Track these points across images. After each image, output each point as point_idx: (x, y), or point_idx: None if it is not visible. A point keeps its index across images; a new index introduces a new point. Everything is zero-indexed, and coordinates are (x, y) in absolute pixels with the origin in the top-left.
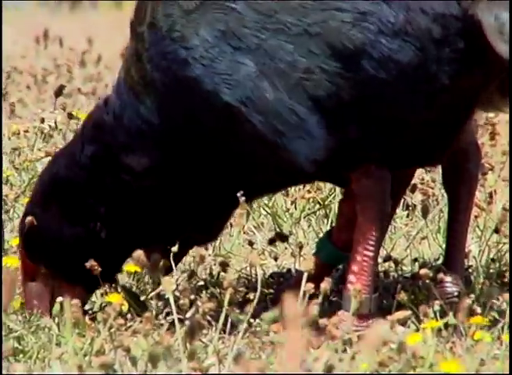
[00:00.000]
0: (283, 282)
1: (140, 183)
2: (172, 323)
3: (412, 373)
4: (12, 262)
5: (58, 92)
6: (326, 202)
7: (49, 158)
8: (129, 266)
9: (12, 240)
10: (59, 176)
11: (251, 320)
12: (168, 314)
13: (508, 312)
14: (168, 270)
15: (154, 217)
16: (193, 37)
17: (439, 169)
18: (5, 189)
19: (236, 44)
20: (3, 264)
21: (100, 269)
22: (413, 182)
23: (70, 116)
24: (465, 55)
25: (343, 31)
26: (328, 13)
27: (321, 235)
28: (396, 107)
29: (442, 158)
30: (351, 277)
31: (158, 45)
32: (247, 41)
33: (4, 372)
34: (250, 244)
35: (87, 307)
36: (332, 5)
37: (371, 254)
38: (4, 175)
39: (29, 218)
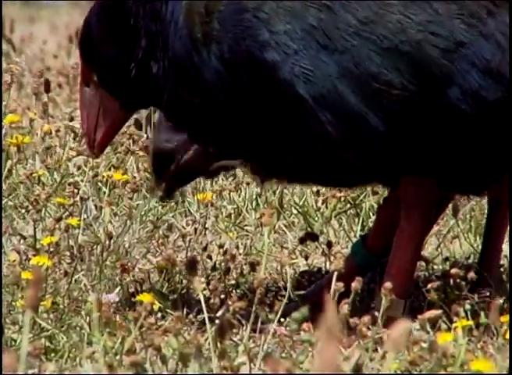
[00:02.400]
0: (314, 281)
1: None
2: (203, 322)
3: (443, 372)
4: (44, 260)
5: None
6: (357, 201)
7: (80, 157)
8: (161, 266)
9: (44, 239)
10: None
11: (281, 319)
12: (198, 313)
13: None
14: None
15: None
16: (281, 23)
17: None
18: (37, 189)
19: (323, 43)
20: (36, 263)
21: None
22: None
23: None
24: None
25: (433, 56)
26: (423, 35)
27: (351, 234)
28: (467, 139)
29: (487, 190)
30: (387, 280)
31: (236, 15)
32: (335, 42)
33: (35, 371)
34: (281, 243)
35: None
36: (430, 28)
37: (409, 259)
38: (35, 174)
39: None
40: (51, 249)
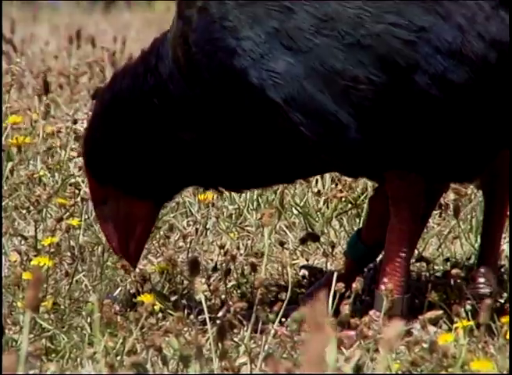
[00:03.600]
0: (314, 282)
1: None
2: (204, 323)
3: (444, 372)
4: (45, 261)
5: (96, 95)
6: (358, 202)
7: (81, 158)
8: (161, 266)
9: (45, 240)
10: (121, 96)
11: (282, 320)
12: (199, 314)
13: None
14: None
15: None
16: (245, 29)
17: None
18: (38, 189)
19: (287, 44)
20: (37, 263)
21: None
22: None
23: None
24: None
25: (396, 46)
26: (383, 26)
27: None
28: (442, 124)
29: (477, 177)
30: (383, 277)
31: (206, 31)
32: (299, 43)
33: (37, 371)
34: (282, 243)
35: (117, 307)
36: (388, 18)
37: (403, 255)
38: (36, 175)
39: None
40: (52, 250)
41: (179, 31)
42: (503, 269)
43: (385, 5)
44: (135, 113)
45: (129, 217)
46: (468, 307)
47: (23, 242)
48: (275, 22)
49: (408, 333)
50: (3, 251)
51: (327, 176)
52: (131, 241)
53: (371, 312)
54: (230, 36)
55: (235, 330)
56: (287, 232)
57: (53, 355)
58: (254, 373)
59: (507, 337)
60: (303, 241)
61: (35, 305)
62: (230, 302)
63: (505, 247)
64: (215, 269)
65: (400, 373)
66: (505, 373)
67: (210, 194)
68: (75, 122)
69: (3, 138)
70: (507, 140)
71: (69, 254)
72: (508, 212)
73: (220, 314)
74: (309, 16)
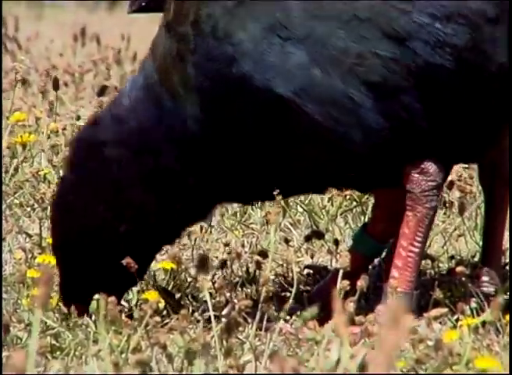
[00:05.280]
0: (320, 279)
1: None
2: (209, 321)
3: (449, 370)
4: (50, 259)
5: (101, 92)
6: (363, 199)
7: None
8: (165, 263)
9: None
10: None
11: (287, 317)
12: (204, 311)
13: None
14: None
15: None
16: (238, 32)
17: (477, 165)
18: (43, 187)
19: (285, 35)
20: (41, 261)
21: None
22: (450, 179)
23: None
24: None
25: (392, 16)
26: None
27: None
28: (452, 92)
29: (487, 154)
30: (394, 272)
31: (202, 47)
32: (296, 31)
33: (41, 369)
34: (287, 241)
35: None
36: None
37: (416, 250)
38: (41, 173)
39: None
40: None
41: (174, 51)
42: (507, 267)
43: None
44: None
45: None
46: (473, 304)
47: (27, 240)
48: (267, 16)
49: (413, 330)
50: (8, 248)
51: None
52: None
53: (380, 307)
54: (225, 43)
55: (240, 328)
56: (292, 230)
57: (58, 353)
58: (258, 370)
59: None
60: (307, 239)
61: (45, 304)
62: (235, 300)
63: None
64: (219, 266)
65: (404, 370)
66: (509, 370)
67: None
68: (78, 118)
69: (7, 135)
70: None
71: None
72: (509, 209)
73: (225, 312)
74: (299, 1)
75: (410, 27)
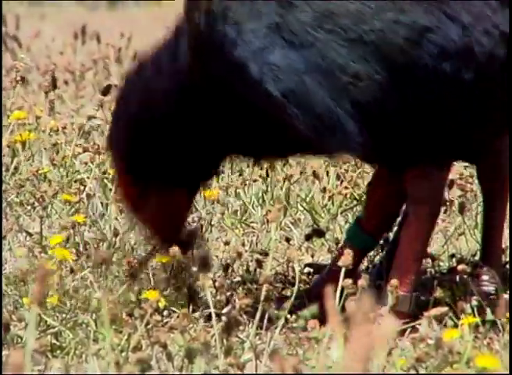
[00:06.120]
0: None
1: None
2: (209, 319)
3: (449, 369)
4: (65, 253)
5: (105, 91)
6: (363, 198)
7: (87, 154)
8: (163, 258)
9: (52, 238)
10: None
11: (288, 316)
12: (204, 310)
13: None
14: None
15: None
16: (246, 22)
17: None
18: (43, 185)
19: (288, 38)
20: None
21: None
22: (451, 177)
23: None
24: None
25: (399, 44)
26: (386, 24)
27: None
28: (446, 121)
29: (486, 156)
30: (395, 273)
31: (210, 27)
32: (300, 37)
33: (41, 367)
34: (287, 240)
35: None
36: (390, 16)
37: (417, 253)
38: (42, 171)
39: None
40: (58, 246)
41: (190, 37)
42: (508, 266)
43: (387, 2)
44: (162, 105)
45: (168, 206)
46: (474, 303)
47: (28, 238)
48: (276, 16)
49: (413, 329)
50: (8, 247)
51: (332, 172)
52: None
53: (378, 308)
54: (232, 29)
55: (240, 327)
56: (292, 228)
57: (58, 352)
58: (259, 369)
59: None
60: (308, 238)
61: (41, 301)
62: (236, 299)
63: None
64: (220, 265)
65: (405, 369)
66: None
67: (215, 191)
68: (89, 118)
69: (8, 134)
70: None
71: (74, 250)
72: (508, 208)
73: (225, 310)
74: (311, 11)
75: (416, 56)
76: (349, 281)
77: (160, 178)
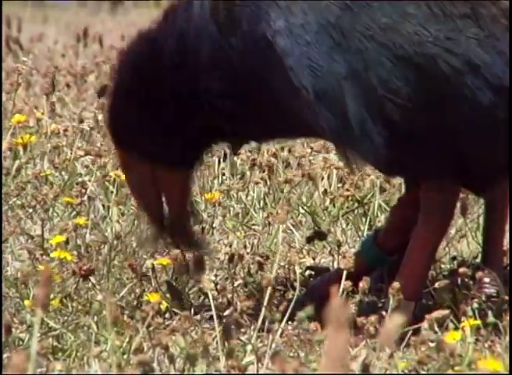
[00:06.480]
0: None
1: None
2: (211, 322)
3: (451, 371)
4: (66, 255)
5: (101, 92)
6: (365, 201)
7: (88, 157)
8: (162, 260)
9: (53, 239)
10: (144, 58)
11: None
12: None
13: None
14: None
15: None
16: (298, 13)
17: None
18: (45, 188)
19: (337, 41)
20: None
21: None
22: None
23: None
24: None
25: (447, 73)
26: (439, 50)
27: (359, 233)
28: (470, 149)
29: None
30: (401, 281)
31: (254, 10)
32: (349, 42)
33: (43, 370)
34: (289, 242)
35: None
36: (446, 44)
37: (424, 262)
38: (43, 174)
39: None
40: (59, 248)
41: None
42: (509, 268)
43: (447, 31)
44: (159, 70)
45: (160, 183)
46: (475, 306)
47: (29, 241)
48: (331, 15)
49: (415, 332)
50: (10, 250)
51: (334, 175)
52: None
53: (380, 312)
54: (282, 16)
55: (242, 329)
56: (294, 231)
57: (60, 354)
58: (260, 372)
59: None
60: (309, 240)
61: (45, 304)
62: (237, 301)
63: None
64: (221, 267)
65: (406, 371)
66: None
67: (216, 194)
68: (81, 121)
69: (9, 137)
70: None
71: (75, 253)
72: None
73: (227, 313)
74: (368, 20)
75: (460, 87)
76: (349, 284)
77: (147, 153)
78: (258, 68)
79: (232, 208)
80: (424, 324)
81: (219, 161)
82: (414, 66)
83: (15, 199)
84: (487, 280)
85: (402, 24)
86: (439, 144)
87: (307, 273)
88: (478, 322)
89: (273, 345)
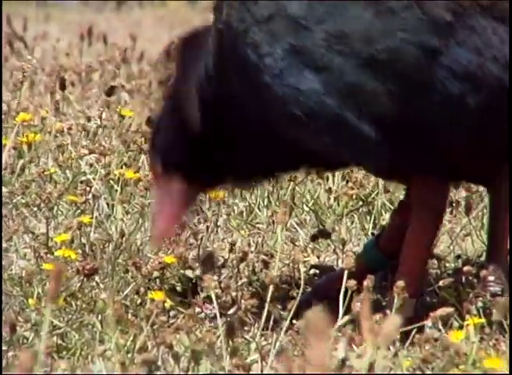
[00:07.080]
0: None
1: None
2: (215, 320)
3: (455, 370)
4: (70, 253)
5: (109, 92)
6: (369, 199)
7: (92, 155)
8: (167, 258)
9: (57, 237)
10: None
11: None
12: (210, 311)
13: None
14: None
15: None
16: (264, 45)
17: None
18: (49, 186)
19: (304, 60)
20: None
21: None
22: None
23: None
24: None
25: (411, 63)
26: (396, 43)
27: (363, 232)
28: (455, 138)
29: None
30: (399, 279)
31: (233, 44)
32: (315, 59)
33: (47, 368)
34: (293, 241)
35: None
36: (399, 35)
37: (421, 258)
38: (47, 172)
39: None
40: (63, 246)
41: (215, 40)
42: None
43: (395, 23)
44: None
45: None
46: (480, 304)
47: (34, 240)
48: (292, 39)
49: (419, 330)
50: (15, 248)
51: (338, 173)
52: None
53: (384, 311)
54: (253, 52)
55: (246, 328)
56: (298, 229)
57: (64, 353)
58: (265, 370)
59: None
60: (314, 238)
61: (56, 298)
62: (241, 299)
63: None
64: (225, 266)
65: (411, 370)
66: None
67: (221, 192)
68: (89, 119)
69: (14, 135)
70: None
71: (80, 251)
72: None
73: (231, 311)
74: (323, 34)
75: (427, 77)
76: (353, 282)
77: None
78: (253, 102)
79: (236, 207)
80: (429, 322)
81: None
82: (380, 64)
83: (19, 197)
84: (491, 278)
85: (352, 28)
86: (420, 137)
87: (312, 271)
88: (483, 320)
89: (277, 344)
